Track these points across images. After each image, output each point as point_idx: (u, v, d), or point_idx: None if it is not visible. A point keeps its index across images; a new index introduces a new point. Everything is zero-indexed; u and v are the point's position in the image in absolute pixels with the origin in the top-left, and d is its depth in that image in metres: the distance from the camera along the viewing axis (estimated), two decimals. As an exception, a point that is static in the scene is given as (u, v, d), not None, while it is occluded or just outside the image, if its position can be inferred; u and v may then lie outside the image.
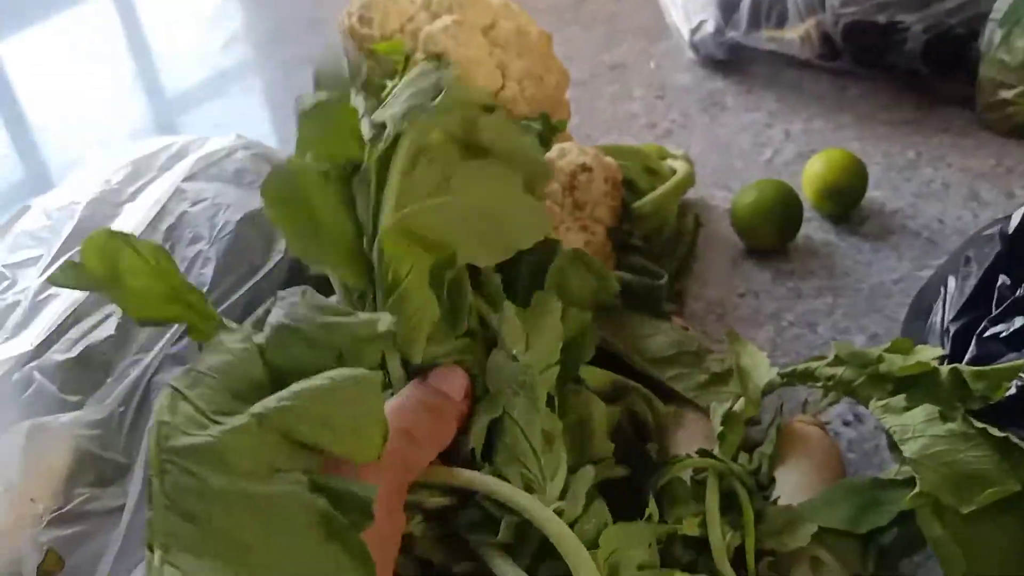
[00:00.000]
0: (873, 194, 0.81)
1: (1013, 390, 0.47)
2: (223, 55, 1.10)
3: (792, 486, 0.54)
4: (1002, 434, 0.45)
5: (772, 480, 0.54)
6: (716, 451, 0.53)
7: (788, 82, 0.96)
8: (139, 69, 1.13)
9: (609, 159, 0.67)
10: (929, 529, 0.47)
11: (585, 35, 1.07)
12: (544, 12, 1.11)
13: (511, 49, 0.72)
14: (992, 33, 0.86)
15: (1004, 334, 0.49)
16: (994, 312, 0.50)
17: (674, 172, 0.76)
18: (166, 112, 1.04)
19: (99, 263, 0.36)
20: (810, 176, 0.79)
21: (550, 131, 0.55)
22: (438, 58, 0.66)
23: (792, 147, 0.88)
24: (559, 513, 0.42)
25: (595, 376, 0.56)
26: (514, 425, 0.45)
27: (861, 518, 0.50)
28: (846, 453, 0.60)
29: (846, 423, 0.62)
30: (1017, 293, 0.50)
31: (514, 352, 0.45)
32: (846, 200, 0.78)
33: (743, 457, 0.55)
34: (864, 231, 0.78)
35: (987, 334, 0.50)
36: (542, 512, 0.40)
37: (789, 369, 0.55)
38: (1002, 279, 0.51)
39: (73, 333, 0.50)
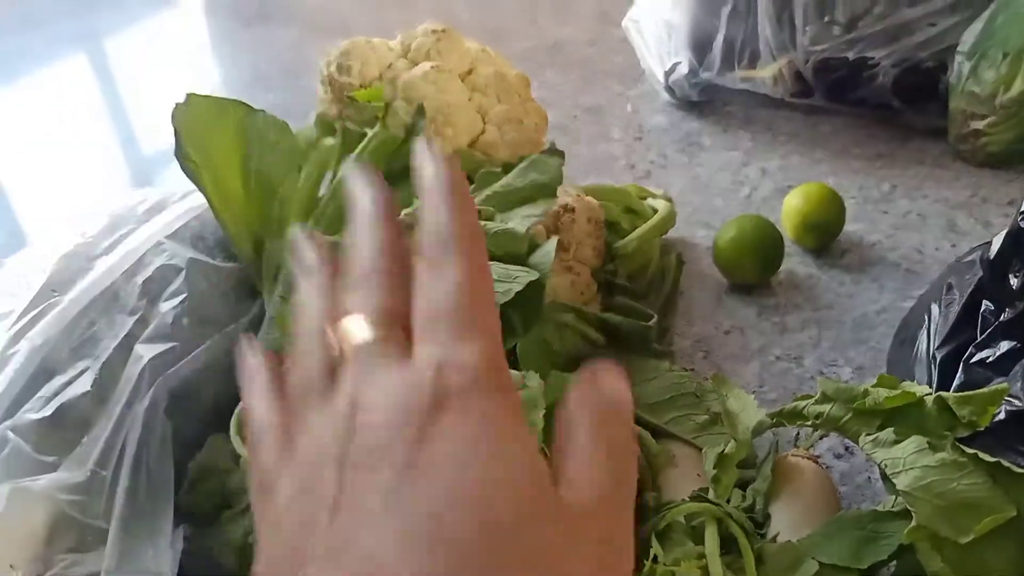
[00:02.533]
0: (852, 227, 0.81)
1: (1002, 414, 0.47)
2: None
3: (788, 521, 0.53)
4: (993, 459, 0.45)
5: (768, 516, 0.54)
6: (711, 493, 0.52)
7: (763, 120, 0.97)
8: (116, 121, 1.13)
9: (591, 199, 0.68)
10: (929, 563, 0.46)
11: (562, 79, 1.09)
12: (520, 57, 1.11)
13: (490, 93, 0.73)
14: (960, 66, 0.88)
15: (990, 359, 0.49)
16: (979, 338, 0.51)
17: (655, 212, 0.76)
18: (145, 165, 1.04)
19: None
20: (789, 211, 0.79)
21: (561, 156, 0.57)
22: (420, 108, 0.67)
23: (770, 183, 0.89)
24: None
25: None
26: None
27: (861, 553, 0.50)
28: (839, 485, 0.59)
29: (837, 456, 0.62)
30: (1001, 317, 0.50)
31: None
32: (825, 233, 0.79)
33: (737, 494, 0.55)
34: (845, 263, 0.79)
35: (973, 360, 0.50)
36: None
37: (777, 410, 0.54)
38: (985, 304, 0.52)
39: (46, 390, 0.49)
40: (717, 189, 0.89)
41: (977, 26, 0.88)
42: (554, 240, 0.55)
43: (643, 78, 1.05)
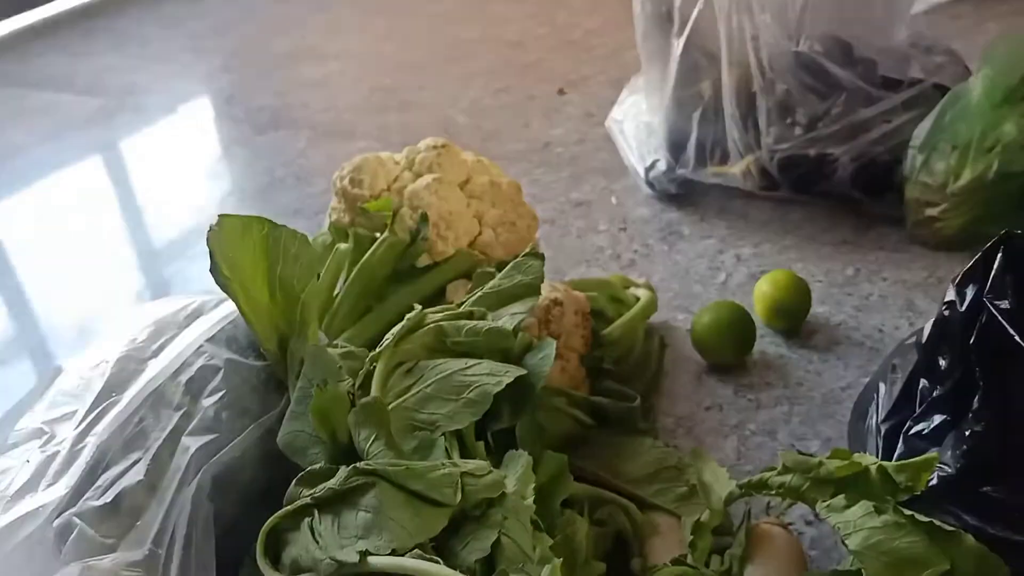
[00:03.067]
0: (819, 309, 0.89)
1: (934, 480, 0.54)
2: (220, 208, 1.20)
3: (762, 582, 0.60)
4: (927, 520, 0.52)
5: (742, 580, 0.60)
6: (689, 558, 0.59)
7: (736, 210, 1.06)
8: (138, 228, 1.22)
9: (577, 293, 0.76)
10: (879, 612, 0.53)
11: (553, 176, 1.18)
12: (514, 157, 1.22)
13: (486, 200, 0.82)
14: (913, 159, 0.97)
15: (925, 431, 0.56)
16: (916, 412, 0.58)
17: (638, 300, 0.84)
18: (171, 268, 1.12)
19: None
20: (760, 296, 0.87)
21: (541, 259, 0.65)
22: (424, 215, 0.76)
23: (744, 269, 0.97)
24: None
25: (577, 491, 0.62)
26: (511, 542, 0.51)
27: (825, 608, 0.56)
28: (809, 550, 0.66)
29: (808, 523, 0.69)
30: (934, 394, 0.57)
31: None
32: (794, 316, 0.86)
33: (715, 559, 0.62)
34: (813, 343, 0.86)
35: (911, 432, 0.57)
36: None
37: (746, 481, 0.61)
38: (922, 382, 0.59)
39: (103, 480, 0.56)
40: (696, 275, 0.97)
41: (927, 123, 0.98)
42: (553, 344, 0.62)
43: (626, 174, 1.14)
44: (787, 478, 0.59)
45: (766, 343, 0.86)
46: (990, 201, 0.94)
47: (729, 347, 0.83)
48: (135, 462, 0.58)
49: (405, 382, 0.62)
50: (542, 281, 0.68)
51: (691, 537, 0.59)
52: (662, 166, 1.06)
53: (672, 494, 0.65)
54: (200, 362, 0.62)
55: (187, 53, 1.65)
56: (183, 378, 0.61)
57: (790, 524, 0.66)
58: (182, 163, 1.32)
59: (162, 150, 1.37)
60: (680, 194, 1.09)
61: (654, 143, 1.07)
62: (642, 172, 1.09)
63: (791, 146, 1.00)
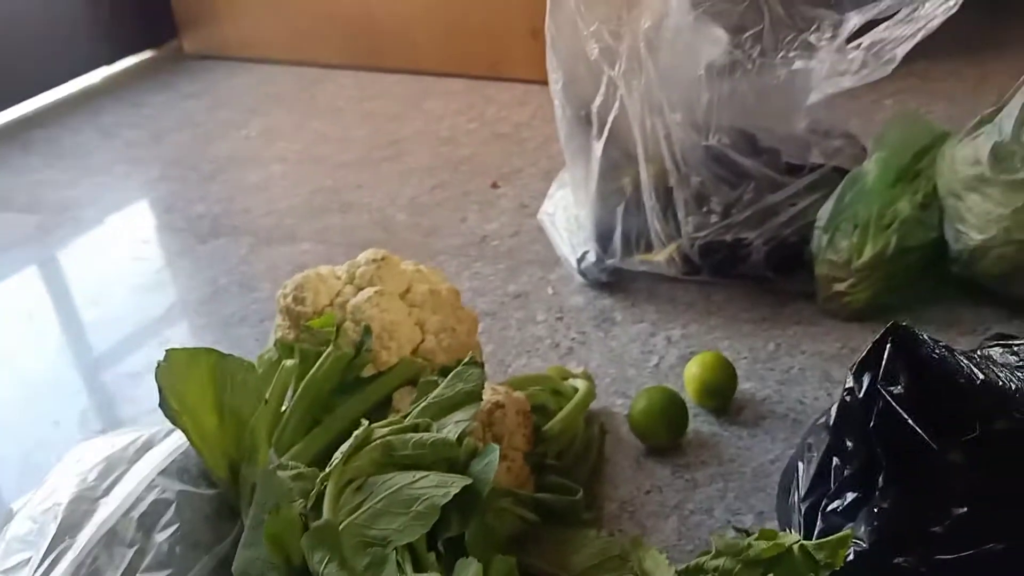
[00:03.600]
0: (745, 385, 0.95)
1: (851, 555, 0.59)
2: (164, 321, 1.22)
3: (704, 663, 0.63)
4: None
5: (686, 663, 0.64)
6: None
7: (664, 295, 1.12)
8: (80, 346, 1.22)
9: (518, 393, 0.80)
10: None
11: (490, 269, 1.23)
12: (453, 253, 1.28)
13: (426, 307, 0.86)
14: (819, 238, 1.05)
15: (840, 508, 0.62)
16: (831, 490, 0.63)
17: (576, 390, 0.89)
18: (115, 387, 1.13)
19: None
20: (689, 378, 0.93)
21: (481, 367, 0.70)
22: (367, 328, 0.80)
23: (675, 351, 1.03)
24: None
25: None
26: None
27: None
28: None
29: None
30: (845, 473, 0.63)
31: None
32: (723, 395, 0.92)
33: (661, 642, 0.65)
34: (742, 419, 0.92)
35: (828, 509, 0.62)
36: None
37: (684, 567, 0.66)
38: (834, 461, 0.64)
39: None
40: (630, 360, 1.03)
41: (830, 204, 1.06)
42: (496, 449, 0.66)
43: (560, 263, 1.20)
44: (720, 562, 0.64)
45: (699, 422, 0.92)
46: (892, 274, 1.02)
47: (664, 430, 0.88)
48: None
49: (356, 499, 0.65)
50: (483, 388, 0.72)
51: (635, 627, 0.63)
52: (592, 257, 1.12)
53: (617, 584, 0.69)
54: (152, 496, 0.65)
55: (124, 164, 1.68)
56: (135, 514, 0.64)
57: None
58: (123, 276, 1.33)
59: (102, 264, 1.39)
60: (611, 281, 1.15)
61: (583, 235, 1.13)
62: (574, 263, 1.15)
63: (708, 233, 1.07)
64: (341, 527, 0.61)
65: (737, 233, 1.06)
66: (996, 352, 0.60)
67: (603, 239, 1.11)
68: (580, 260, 1.14)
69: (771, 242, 1.06)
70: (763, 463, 0.86)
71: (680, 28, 0.98)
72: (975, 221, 0.98)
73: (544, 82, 1.10)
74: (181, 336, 1.19)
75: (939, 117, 1.34)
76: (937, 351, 0.59)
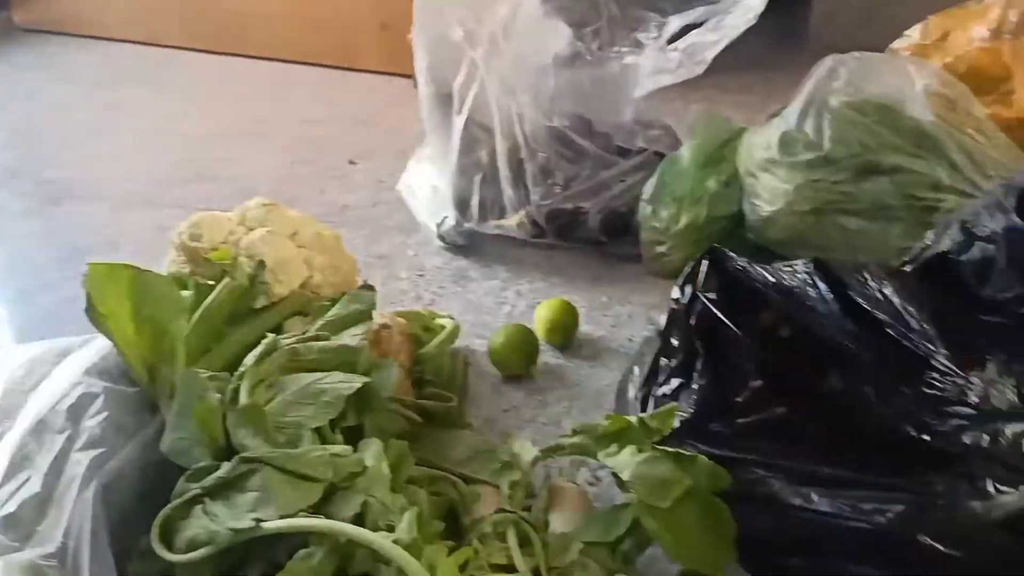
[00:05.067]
0: (584, 328, 1.11)
1: (677, 423, 0.75)
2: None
3: (561, 523, 0.78)
4: (673, 451, 0.73)
5: (547, 522, 0.78)
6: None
7: (513, 256, 1.27)
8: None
9: (401, 319, 0.92)
10: (648, 524, 0.72)
11: (353, 234, 1.32)
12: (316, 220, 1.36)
13: (313, 248, 0.96)
14: (644, 209, 1.24)
15: (668, 393, 0.78)
16: (660, 381, 0.79)
17: (443, 327, 1.01)
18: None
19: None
20: (539, 319, 1.08)
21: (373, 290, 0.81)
22: (260, 262, 0.89)
23: (523, 302, 1.18)
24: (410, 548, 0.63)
25: (416, 472, 0.78)
26: (376, 501, 0.66)
27: (608, 531, 0.75)
28: (594, 503, 0.85)
29: (590, 483, 0.88)
30: (671, 366, 0.79)
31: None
32: (566, 333, 1.08)
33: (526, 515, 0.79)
34: (583, 354, 1.08)
35: (658, 395, 0.78)
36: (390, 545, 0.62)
37: (545, 447, 0.80)
38: (663, 360, 0.81)
39: (3, 492, 0.64)
40: (485, 309, 1.16)
41: (653, 181, 1.25)
42: (393, 364, 0.78)
43: (419, 229, 1.32)
44: (576, 439, 0.79)
45: (547, 356, 1.07)
46: (702, 239, 1.22)
47: (519, 360, 1.02)
48: (27, 479, 0.66)
49: (268, 394, 0.74)
50: (374, 308, 0.84)
51: (508, 492, 0.76)
52: (451, 222, 1.25)
53: (489, 469, 0.82)
54: (79, 392, 0.71)
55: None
56: (63, 406, 0.70)
57: (578, 484, 0.85)
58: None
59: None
60: (467, 245, 1.28)
61: (442, 202, 1.26)
62: (434, 228, 1.27)
63: (553, 202, 1.23)
64: (261, 411, 0.70)
65: (576, 203, 1.23)
66: (786, 270, 0.79)
67: (461, 206, 1.24)
68: (439, 225, 1.26)
69: (604, 211, 1.24)
70: (601, 387, 1.02)
71: (531, 19, 1.14)
72: (766, 196, 1.19)
73: (394, 73, 1.22)
74: (39, 292, 1.20)
75: (735, 121, 1.58)
76: (741, 264, 0.77)
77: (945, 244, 0.82)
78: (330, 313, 0.85)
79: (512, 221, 1.23)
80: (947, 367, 0.70)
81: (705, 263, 0.78)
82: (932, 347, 0.71)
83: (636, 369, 0.85)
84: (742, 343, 0.74)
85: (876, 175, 1.10)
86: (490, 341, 1.04)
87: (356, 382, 0.75)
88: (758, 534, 0.72)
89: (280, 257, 0.91)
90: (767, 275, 0.77)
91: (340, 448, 0.69)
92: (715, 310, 0.75)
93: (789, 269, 0.78)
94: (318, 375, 0.76)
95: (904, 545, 0.66)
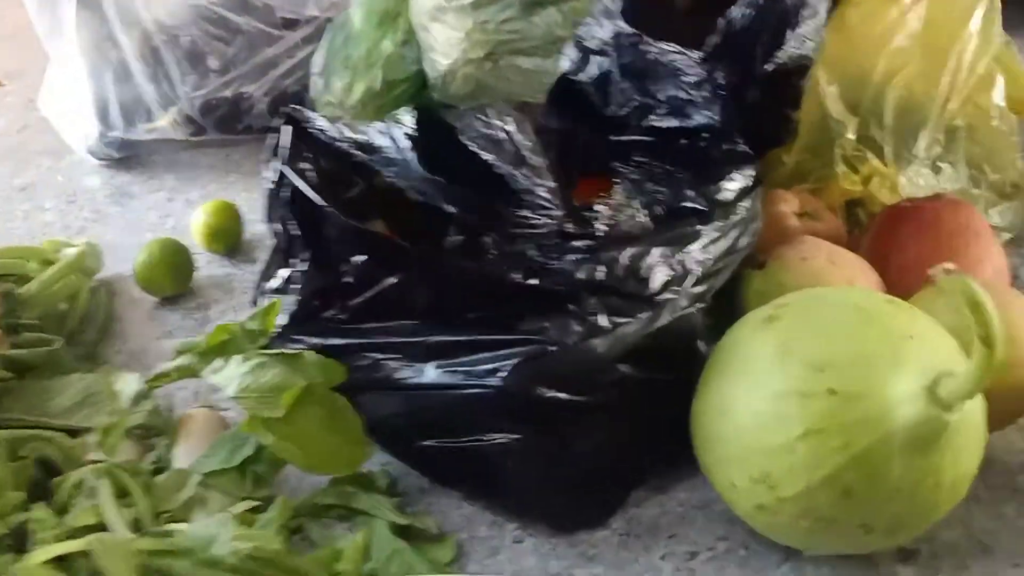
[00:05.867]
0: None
1: (286, 320, 0.66)
2: None
3: (190, 456, 0.68)
4: (278, 352, 0.63)
5: (171, 459, 0.68)
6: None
7: (185, 161, 1.12)
8: None
9: (-23, 262, 0.77)
10: (265, 440, 0.63)
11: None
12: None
13: None
14: (316, 83, 1.10)
15: (277, 286, 0.68)
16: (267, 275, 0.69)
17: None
18: None
19: None
20: (196, 226, 0.95)
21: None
22: None
23: (192, 212, 1.03)
24: None
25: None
26: None
27: (234, 456, 0.66)
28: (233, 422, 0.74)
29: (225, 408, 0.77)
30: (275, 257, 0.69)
31: None
32: (228, 238, 0.95)
33: (150, 456, 0.68)
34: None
35: (265, 290, 0.69)
36: None
37: (150, 377, 0.69)
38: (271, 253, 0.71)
39: None
40: (147, 227, 1.02)
41: (321, 51, 1.11)
42: None
43: (71, 149, 1.14)
44: (180, 361, 0.68)
45: (212, 267, 0.94)
46: (383, 107, 1.10)
47: (168, 278, 0.90)
48: None
49: None
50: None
51: (100, 438, 0.65)
52: (94, 133, 1.08)
53: (101, 414, 0.70)
54: None
55: None
56: None
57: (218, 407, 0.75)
58: None
59: None
60: (127, 157, 1.12)
61: (82, 112, 1.08)
62: (82, 144, 1.10)
63: (209, 91, 1.08)
64: None
65: (237, 88, 1.09)
66: (379, 125, 0.68)
67: (101, 112, 1.07)
68: (85, 139, 1.09)
69: (271, 93, 1.10)
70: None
71: None
72: (441, 48, 1.08)
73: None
74: None
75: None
76: (323, 125, 0.66)
77: (565, 64, 0.74)
78: None
79: (164, 121, 1.07)
80: (553, 201, 0.62)
81: (288, 131, 0.67)
82: (539, 181, 0.64)
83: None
84: (335, 217, 0.64)
85: (544, 6, 1.01)
86: (134, 262, 0.90)
87: None
88: (391, 421, 0.65)
89: None
90: (355, 134, 0.66)
91: None
92: (300, 183, 0.65)
93: (383, 124, 0.68)
94: None
95: (527, 402, 0.60)
